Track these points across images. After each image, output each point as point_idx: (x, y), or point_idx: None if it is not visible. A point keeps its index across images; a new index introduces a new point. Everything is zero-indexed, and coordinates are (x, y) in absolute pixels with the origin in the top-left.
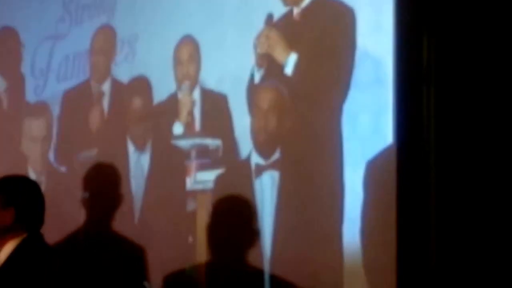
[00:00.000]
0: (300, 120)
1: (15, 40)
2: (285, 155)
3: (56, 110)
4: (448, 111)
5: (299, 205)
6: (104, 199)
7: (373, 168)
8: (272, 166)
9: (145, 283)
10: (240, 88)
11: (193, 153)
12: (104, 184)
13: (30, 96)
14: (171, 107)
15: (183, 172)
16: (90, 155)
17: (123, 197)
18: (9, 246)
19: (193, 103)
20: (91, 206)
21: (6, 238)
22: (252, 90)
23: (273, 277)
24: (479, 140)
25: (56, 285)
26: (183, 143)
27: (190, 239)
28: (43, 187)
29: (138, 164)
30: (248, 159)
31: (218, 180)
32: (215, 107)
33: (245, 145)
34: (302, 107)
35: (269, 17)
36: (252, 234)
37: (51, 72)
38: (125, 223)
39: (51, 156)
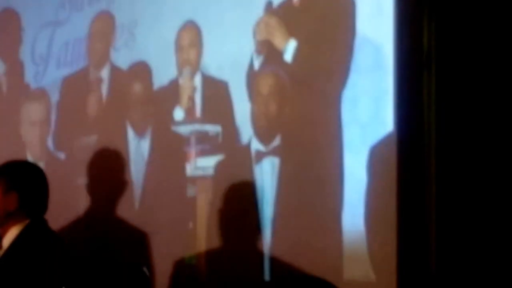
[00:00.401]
0: (300, 106)
1: (16, 22)
2: (285, 141)
3: (55, 96)
4: (448, 96)
5: (299, 191)
6: (104, 185)
7: (373, 153)
8: (272, 152)
9: (145, 269)
10: (241, 74)
11: (193, 139)
12: (103, 170)
13: (30, 81)
14: (172, 92)
15: (183, 158)
16: (89, 141)
17: (123, 183)
18: (13, 232)
19: (194, 89)
20: (90, 192)
21: (9, 224)
22: (252, 76)
23: (273, 263)
24: (480, 124)
25: (60, 271)
26: (183, 129)
27: (190, 225)
28: None
29: (138, 150)
30: (248, 145)
31: (218, 166)
32: (216, 93)
33: (246, 131)
34: (302, 94)
35: (269, 3)
36: (251, 220)
37: (51, 58)
38: (125, 209)
39: (50, 142)
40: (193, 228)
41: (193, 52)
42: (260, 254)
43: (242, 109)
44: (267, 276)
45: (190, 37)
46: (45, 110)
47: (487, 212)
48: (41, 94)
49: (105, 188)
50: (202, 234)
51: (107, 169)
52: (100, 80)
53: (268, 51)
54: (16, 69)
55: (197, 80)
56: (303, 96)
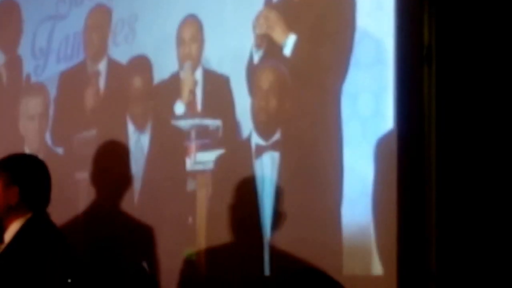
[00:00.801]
0: (300, 101)
1: (16, 14)
2: (286, 135)
3: (54, 91)
4: (448, 91)
5: (299, 186)
6: (103, 179)
7: (374, 148)
8: (272, 146)
9: (144, 264)
10: (241, 69)
11: (193, 134)
12: (103, 164)
13: (29, 75)
14: (173, 86)
15: (183, 153)
16: (88, 136)
17: (122, 178)
18: (15, 226)
19: (195, 83)
20: (90, 187)
21: (11, 218)
22: (252, 70)
23: (273, 258)
24: (480, 119)
25: (62, 264)
26: (183, 124)
27: (190, 219)
28: None
29: (138, 144)
30: (248, 139)
31: (218, 160)
32: (217, 88)
33: (246, 125)
34: (301, 88)
35: None
36: (252, 214)
37: (51, 52)
38: (125, 203)
39: (48, 137)
40: (193, 223)
41: (195, 46)
42: (260, 249)
43: (242, 103)
44: (267, 271)
45: (191, 31)
46: (44, 104)
47: (487, 208)
48: (40, 88)
49: (104, 182)
50: (202, 228)
51: (107, 164)
52: (97, 74)
53: (268, 45)
54: (16, 61)
55: (198, 74)
56: (303, 91)
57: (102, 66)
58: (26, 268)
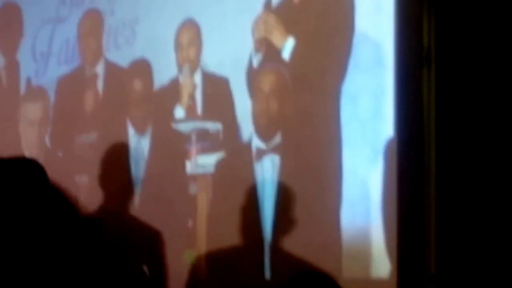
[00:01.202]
0: (301, 104)
1: (17, 17)
2: (286, 138)
3: (53, 95)
4: (448, 93)
5: (300, 189)
6: (104, 183)
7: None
8: (273, 150)
9: (144, 268)
10: (241, 72)
11: (194, 137)
12: (103, 168)
13: (30, 78)
14: (173, 91)
15: (183, 156)
16: (88, 139)
17: (122, 181)
18: None
19: (194, 87)
20: (90, 190)
21: None
22: (253, 73)
23: (273, 261)
24: (480, 122)
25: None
26: (184, 127)
27: (190, 222)
28: None
29: (138, 148)
30: (249, 143)
31: (219, 164)
32: (217, 90)
33: (246, 128)
34: (301, 91)
35: (268, 1)
36: (252, 218)
37: (51, 55)
38: (125, 207)
39: (48, 141)
40: (193, 226)
41: (193, 50)
42: (261, 252)
43: (242, 106)
44: (267, 274)
45: (190, 35)
46: (44, 109)
47: (487, 211)
48: (41, 93)
49: (104, 186)
50: (202, 232)
51: (107, 167)
52: (95, 77)
53: (267, 49)
54: (15, 64)
55: (197, 77)
56: (303, 94)
57: (99, 69)
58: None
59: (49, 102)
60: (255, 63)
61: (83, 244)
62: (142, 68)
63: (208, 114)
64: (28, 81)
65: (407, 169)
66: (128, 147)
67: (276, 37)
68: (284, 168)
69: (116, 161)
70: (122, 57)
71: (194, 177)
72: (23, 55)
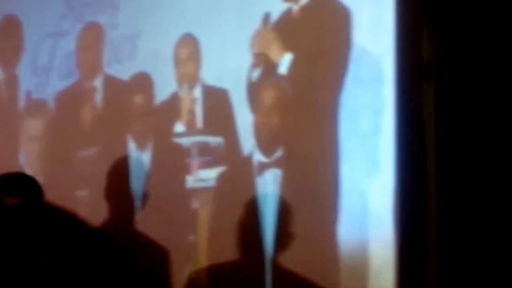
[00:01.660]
0: (302, 118)
1: (17, 30)
2: (288, 152)
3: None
4: (448, 108)
5: (301, 203)
6: (104, 198)
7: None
8: (275, 164)
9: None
10: (241, 85)
11: (195, 151)
12: (104, 182)
13: (30, 92)
14: (172, 106)
15: (184, 170)
16: (89, 153)
17: (123, 196)
18: None
19: (193, 101)
20: (90, 206)
21: None
22: (253, 87)
23: (275, 276)
24: (479, 137)
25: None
26: (185, 141)
27: (192, 237)
28: None
29: (138, 162)
30: (250, 156)
31: (220, 178)
32: (217, 103)
33: (247, 142)
34: (299, 106)
35: (266, 16)
36: (254, 232)
37: (53, 69)
38: (126, 221)
39: (48, 156)
40: (195, 241)
41: (192, 65)
42: (262, 267)
43: (243, 119)
44: None
45: (188, 50)
46: (45, 124)
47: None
48: (41, 107)
49: (105, 200)
50: (203, 246)
51: (107, 182)
52: (93, 90)
53: (265, 64)
54: (15, 78)
55: (197, 92)
56: (302, 108)
57: (98, 83)
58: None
59: (50, 116)
60: (254, 77)
61: (95, 257)
62: (143, 82)
63: (209, 127)
64: (28, 95)
65: (407, 183)
66: (128, 162)
67: (273, 52)
68: (285, 182)
69: (116, 176)
70: (123, 72)
71: (195, 192)
72: (24, 69)
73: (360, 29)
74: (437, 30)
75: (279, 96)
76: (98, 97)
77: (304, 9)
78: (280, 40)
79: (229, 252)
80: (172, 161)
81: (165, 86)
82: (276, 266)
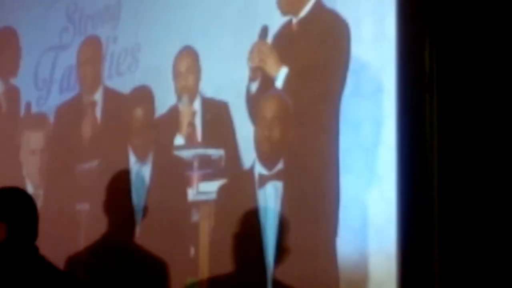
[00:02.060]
0: (301, 131)
1: (14, 41)
2: (289, 165)
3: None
4: (451, 120)
5: (303, 216)
6: (105, 210)
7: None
8: (276, 176)
9: None
10: (241, 98)
11: (196, 164)
12: (104, 196)
13: (30, 105)
14: (172, 119)
15: (185, 183)
16: (89, 166)
17: (124, 209)
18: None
19: (193, 114)
20: (91, 218)
21: None
22: (253, 99)
23: None
24: (482, 148)
25: None
26: (186, 154)
27: (193, 250)
28: (40, 200)
29: (139, 175)
30: (251, 169)
31: (221, 190)
32: (216, 115)
33: (248, 154)
34: (301, 119)
35: (263, 29)
36: (255, 245)
37: (54, 82)
38: (127, 234)
39: (49, 169)
40: (196, 254)
41: (191, 77)
42: (263, 280)
43: (243, 131)
44: None
45: (188, 63)
46: (45, 137)
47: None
48: (42, 121)
49: (106, 213)
50: (204, 259)
51: (108, 195)
52: (94, 104)
53: (262, 78)
54: (15, 90)
55: (197, 104)
56: (303, 121)
57: (98, 96)
58: None
59: (50, 129)
60: (253, 90)
61: None
62: (144, 95)
63: (209, 140)
64: (28, 106)
65: (410, 195)
66: (129, 175)
67: (270, 67)
68: (287, 195)
69: (117, 189)
70: (124, 84)
71: (196, 204)
72: (24, 81)
73: (362, 41)
74: (439, 42)
75: (280, 108)
76: (98, 111)
77: (302, 22)
78: (277, 53)
79: (230, 265)
80: (173, 174)
81: (165, 99)
82: (277, 279)
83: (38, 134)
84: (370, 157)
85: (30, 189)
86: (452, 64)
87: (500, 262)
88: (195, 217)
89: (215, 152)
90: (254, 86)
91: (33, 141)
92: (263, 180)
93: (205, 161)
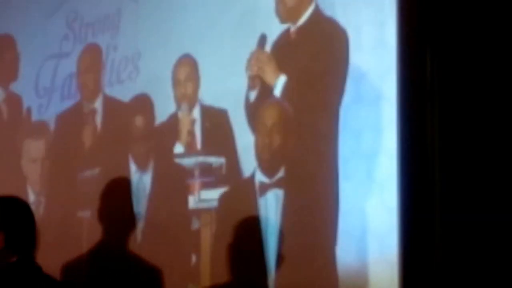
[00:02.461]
0: (301, 138)
1: (12, 48)
2: (290, 173)
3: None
4: (452, 127)
5: (303, 224)
6: (106, 218)
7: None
8: (277, 184)
9: None
10: (240, 106)
11: (197, 172)
12: (105, 203)
13: (31, 113)
14: (172, 127)
15: (186, 191)
16: (90, 174)
17: (125, 217)
18: None
19: (193, 122)
20: (92, 226)
21: None
22: (253, 107)
23: None
24: (483, 156)
25: None
26: (186, 162)
27: (194, 258)
28: (42, 207)
29: (140, 183)
30: (252, 177)
31: (222, 198)
32: (216, 123)
33: (248, 162)
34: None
35: (262, 38)
36: (256, 253)
37: (55, 91)
38: (128, 243)
39: (50, 177)
40: (197, 262)
41: (191, 85)
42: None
43: (243, 139)
44: None
45: (187, 71)
46: (46, 145)
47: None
48: (43, 129)
49: (107, 221)
50: (206, 267)
51: (109, 203)
52: (94, 112)
53: (260, 86)
54: (15, 97)
55: (196, 112)
56: (303, 129)
57: (97, 104)
58: None
59: (51, 137)
60: (252, 98)
61: None
62: (144, 103)
63: (209, 148)
64: (28, 112)
65: (411, 203)
66: (130, 183)
67: (268, 75)
68: (288, 202)
69: (118, 197)
70: (124, 92)
71: (197, 212)
72: (25, 88)
73: (363, 48)
74: (440, 49)
75: (280, 116)
76: (99, 119)
77: (301, 30)
78: (276, 62)
79: (231, 272)
80: (174, 182)
81: (165, 106)
82: (277, 287)
83: (39, 142)
84: (371, 165)
85: (31, 196)
86: (453, 71)
87: (502, 271)
88: (196, 225)
89: (216, 160)
90: (253, 95)
91: (34, 149)
92: (264, 188)
93: (206, 169)
